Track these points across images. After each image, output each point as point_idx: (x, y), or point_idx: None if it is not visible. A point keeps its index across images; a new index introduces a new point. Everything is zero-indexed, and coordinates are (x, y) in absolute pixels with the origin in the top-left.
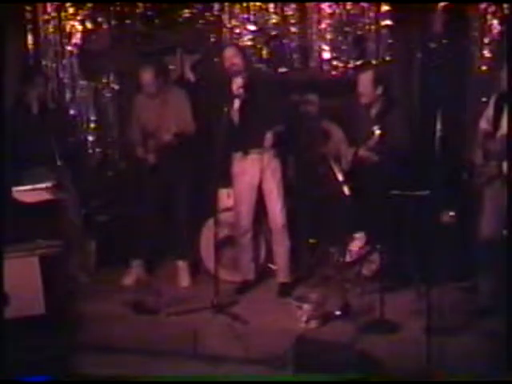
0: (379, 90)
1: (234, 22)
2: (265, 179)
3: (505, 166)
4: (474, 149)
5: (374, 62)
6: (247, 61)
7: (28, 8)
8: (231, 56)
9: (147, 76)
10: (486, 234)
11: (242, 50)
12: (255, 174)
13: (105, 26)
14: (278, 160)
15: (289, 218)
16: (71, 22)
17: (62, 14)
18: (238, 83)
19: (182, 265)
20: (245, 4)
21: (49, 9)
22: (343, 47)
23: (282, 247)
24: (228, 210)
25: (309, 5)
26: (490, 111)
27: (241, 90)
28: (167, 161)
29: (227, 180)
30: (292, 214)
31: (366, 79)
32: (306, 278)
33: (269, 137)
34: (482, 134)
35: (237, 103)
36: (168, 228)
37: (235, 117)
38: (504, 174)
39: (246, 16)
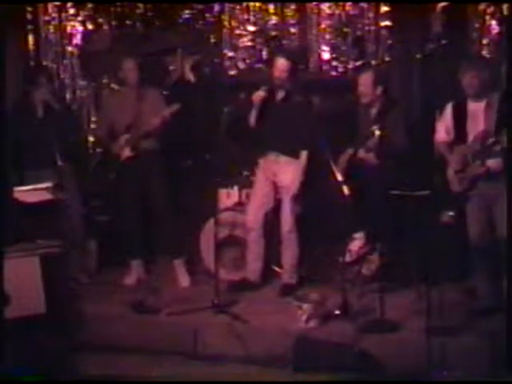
0: (379, 90)
1: (233, 23)
2: (279, 182)
3: (491, 163)
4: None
5: (373, 62)
6: (294, 74)
7: (29, 9)
8: (281, 69)
9: (130, 64)
10: (477, 235)
11: (293, 63)
12: (269, 176)
13: (105, 27)
14: (293, 165)
15: (298, 221)
16: (72, 23)
17: (63, 14)
18: (276, 94)
19: (178, 264)
20: (245, 4)
21: (50, 9)
22: (343, 48)
23: (289, 250)
24: (228, 209)
25: (308, 5)
26: (448, 122)
27: (275, 95)
28: (143, 156)
29: (226, 180)
30: (302, 216)
31: (366, 79)
32: (307, 278)
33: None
34: (443, 145)
35: (263, 109)
36: (155, 226)
37: (257, 120)
38: (491, 172)
39: (245, 17)
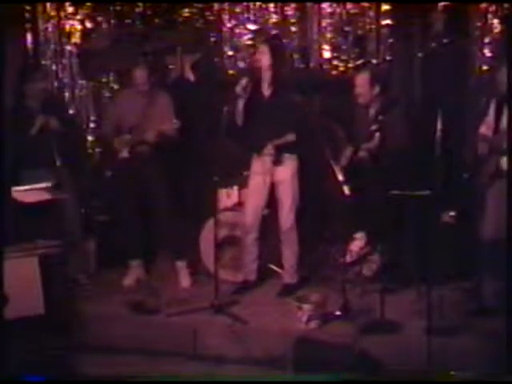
0: (376, 90)
1: (233, 22)
2: (276, 180)
3: (504, 162)
4: (475, 149)
5: (374, 61)
6: (277, 59)
7: (27, 8)
8: (261, 51)
9: (141, 74)
10: (489, 233)
11: (274, 48)
12: (266, 175)
13: (104, 26)
14: (289, 162)
15: (298, 220)
16: (71, 22)
17: (62, 13)
18: (261, 83)
19: (181, 265)
20: (245, 3)
21: (48, 8)
22: (343, 47)
23: (290, 248)
24: (228, 209)
25: (309, 5)
26: (490, 117)
27: (263, 90)
28: (143, 158)
29: (226, 179)
30: (301, 215)
31: (362, 80)
32: (308, 278)
33: (269, 148)
34: (481, 138)
35: (252, 103)
36: (157, 227)
37: (245, 118)
38: (503, 171)
39: (246, 16)
